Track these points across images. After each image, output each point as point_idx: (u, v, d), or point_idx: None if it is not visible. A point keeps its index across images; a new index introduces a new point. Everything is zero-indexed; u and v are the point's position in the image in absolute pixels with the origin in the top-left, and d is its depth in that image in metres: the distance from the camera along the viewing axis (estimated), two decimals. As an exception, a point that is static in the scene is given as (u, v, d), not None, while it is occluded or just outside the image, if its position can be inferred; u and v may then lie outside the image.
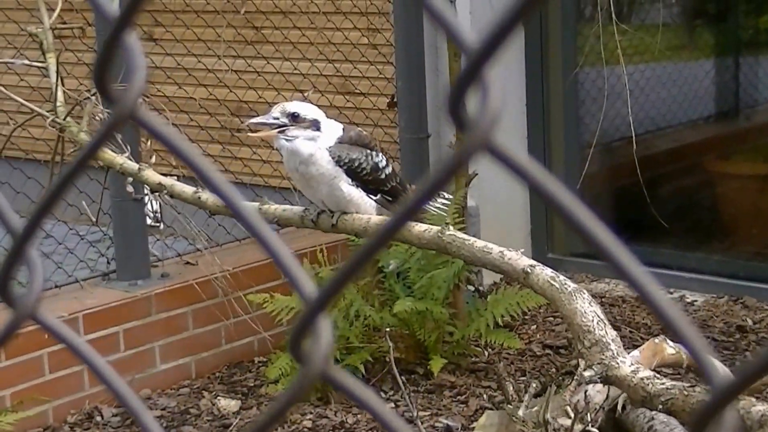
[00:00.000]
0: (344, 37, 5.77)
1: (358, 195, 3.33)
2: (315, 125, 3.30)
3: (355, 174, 3.34)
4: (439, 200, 3.74)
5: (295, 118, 3.27)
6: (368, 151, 3.41)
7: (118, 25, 0.54)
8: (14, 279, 0.71)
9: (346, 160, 3.33)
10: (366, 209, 3.35)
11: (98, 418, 4.49)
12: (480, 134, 0.47)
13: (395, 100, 5.63)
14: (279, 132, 3.25)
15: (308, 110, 3.32)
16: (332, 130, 3.36)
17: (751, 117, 6.75)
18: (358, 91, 5.79)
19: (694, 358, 0.50)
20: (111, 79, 0.57)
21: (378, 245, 0.53)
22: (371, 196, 3.38)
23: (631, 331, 4.95)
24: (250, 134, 3.35)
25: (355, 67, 5.78)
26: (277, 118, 3.27)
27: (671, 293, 5.51)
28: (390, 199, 3.42)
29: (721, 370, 0.48)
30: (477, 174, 4.99)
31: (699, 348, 0.48)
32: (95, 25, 4.91)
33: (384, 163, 3.45)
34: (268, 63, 5.86)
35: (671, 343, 3.72)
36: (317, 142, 3.30)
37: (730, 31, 6.71)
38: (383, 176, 3.43)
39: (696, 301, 5.39)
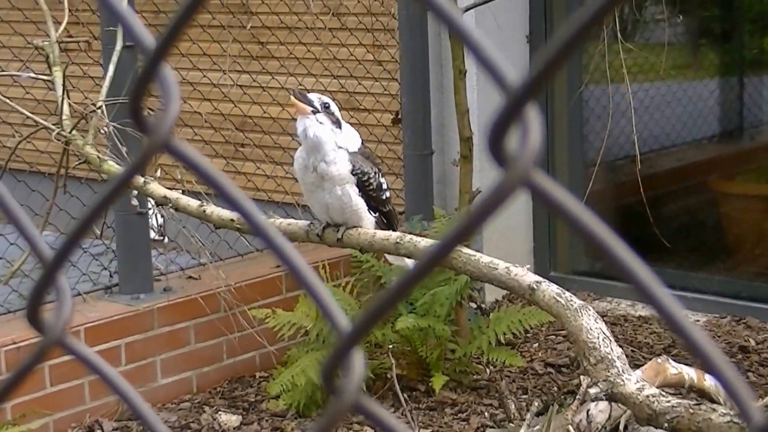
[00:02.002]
0: (349, 53, 5.78)
1: (363, 207, 3.46)
2: (338, 124, 3.47)
3: (363, 186, 3.47)
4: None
5: (326, 108, 3.44)
6: (377, 169, 3.55)
7: (154, 57, 0.54)
8: (43, 306, 0.71)
9: (359, 171, 3.46)
10: (367, 223, 3.49)
11: (99, 432, 4.49)
12: (520, 171, 0.47)
13: (399, 116, 5.64)
14: (312, 112, 3.41)
15: (336, 108, 3.50)
16: (353, 136, 3.52)
17: (755, 137, 6.75)
18: (363, 107, 5.80)
19: (728, 393, 0.50)
20: (145, 109, 0.57)
21: (415, 280, 0.53)
22: (371, 212, 3.51)
23: (633, 351, 4.95)
24: (292, 98, 3.47)
25: (359, 83, 5.79)
26: (312, 102, 3.43)
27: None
28: (385, 220, 3.53)
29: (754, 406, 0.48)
30: (480, 191, 4.99)
31: (733, 382, 0.48)
32: (101, 38, 4.92)
33: (385, 186, 3.60)
34: (273, 78, 5.87)
35: (674, 363, 3.71)
36: (338, 140, 3.44)
37: (735, 51, 6.72)
38: (384, 197, 3.58)
39: (698, 321, 5.38)
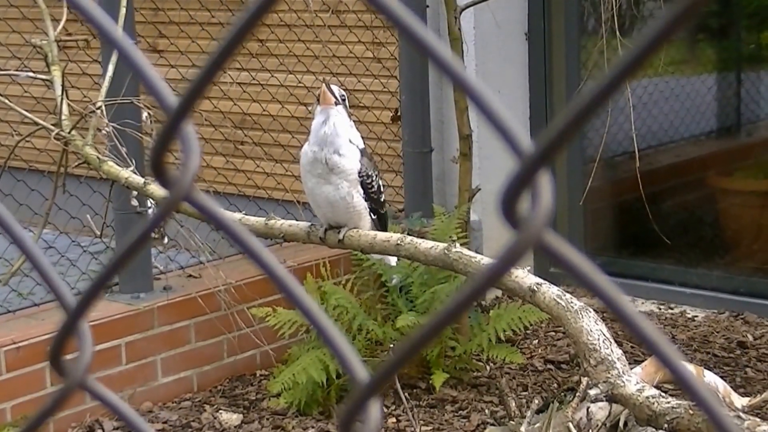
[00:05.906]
0: (349, 50, 5.79)
1: (365, 209, 3.48)
2: (349, 118, 3.54)
3: (365, 189, 3.52)
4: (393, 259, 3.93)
5: (343, 101, 3.51)
6: (377, 172, 3.61)
7: (176, 115, 0.55)
8: (65, 351, 0.72)
9: (365, 175, 3.51)
10: (366, 224, 3.54)
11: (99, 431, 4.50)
12: (532, 234, 0.49)
13: (399, 114, 5.65)
14: (335, 104, 3.48)
15: (348, 105, 3.58)
16: (358, 136, 3.58)
17: (753, 132, 6.76)
18: (362, 105, 5.80)
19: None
20: (167, 163, 0.58)
21: (426, 339, 0.54)
22: (371, 214, 3.56)
23: (632, 347, 4.96)
24: (323, 87, 3.51)
25: (359, 81, 5.79)
26: (335, 93, 3.50)
27: (672, 308, 5.53)
28: (379, 222, 3.59)
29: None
30: (480, 188, 5.00)
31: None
32: (100, 37, 4.92)
33: (383, 189, 3.65)
34: (272, 76, 5.87)
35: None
36: (351, 135, 3.50)
37: (733, 46, 6.73)
38: (382, 199, 3.63)
39: (697, 316, 5.40)
